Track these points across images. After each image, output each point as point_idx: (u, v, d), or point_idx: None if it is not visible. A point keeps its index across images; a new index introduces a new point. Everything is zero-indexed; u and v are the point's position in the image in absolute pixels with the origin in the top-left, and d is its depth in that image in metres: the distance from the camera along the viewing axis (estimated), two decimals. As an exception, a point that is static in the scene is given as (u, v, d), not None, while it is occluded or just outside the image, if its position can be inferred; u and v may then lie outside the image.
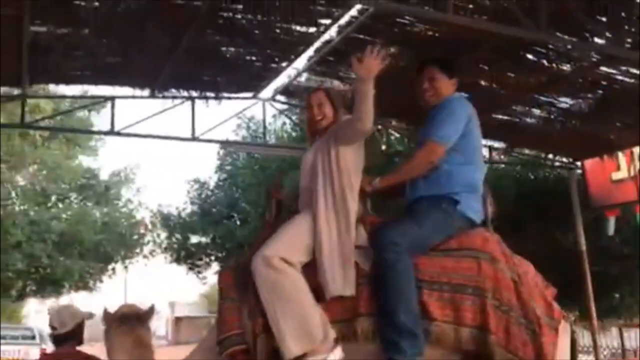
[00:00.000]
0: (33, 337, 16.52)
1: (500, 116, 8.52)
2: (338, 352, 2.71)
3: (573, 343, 2.83)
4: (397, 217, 3.06)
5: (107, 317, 3.56)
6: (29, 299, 25.43)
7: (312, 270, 2.84)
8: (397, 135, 11.39)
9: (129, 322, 3.42)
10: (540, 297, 2.76)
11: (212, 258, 13.12)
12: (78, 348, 4.02)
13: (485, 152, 10.67)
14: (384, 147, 12.33)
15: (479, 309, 2.67)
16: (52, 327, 4.05)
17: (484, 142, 10.33)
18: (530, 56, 6.87)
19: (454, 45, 6.17)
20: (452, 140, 2.98)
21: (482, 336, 2.65)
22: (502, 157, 10.58)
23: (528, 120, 8.71)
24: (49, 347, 14.95)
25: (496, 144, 10.06)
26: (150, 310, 3.62)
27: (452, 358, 2.72)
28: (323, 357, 2.68)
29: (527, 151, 10.39)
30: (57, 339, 4.05)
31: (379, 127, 9.63)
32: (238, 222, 10.35)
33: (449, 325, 2.69)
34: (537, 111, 8.45)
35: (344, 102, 3.24)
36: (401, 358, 2.63)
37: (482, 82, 7.33)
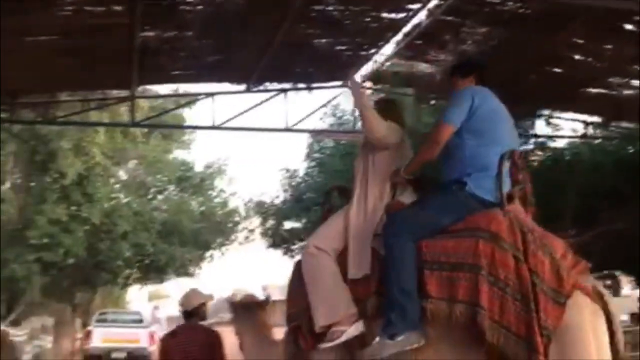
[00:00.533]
0: (141, 321, 17.75)
1: (596, 90, 8.30)
2: (359, 326, 3.04)
3: (609, 319, 2.77)
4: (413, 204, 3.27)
5: (234, 305, 4.24)
6: (133, 286, 27.22)
7: (345, 256, 3.24)
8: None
9: (253, 309, 4.10)
10: (552, 272, 2.75)
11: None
12: (200, 323, 4.77)
13: (580, 126, 10.42)
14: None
15: (473, 285, 2.78)
16: (182, 306, 4.81)
17: (578, 116, 10.29)
18: (627, 26, 6.68)
19: (547, 22, 6.10)
20: (456, 120, 3.13)
21: (474, 311, 2.75)
22: (599, 131, 10.27)
23: (626, 92, 8.43)
24: (155, 330, 15.79)
25: (592, 119, 9.77)
26: (267, 299, 4.39)
27: (451, 336, 2.85)
28: (345, 329, 3.02)
29: (625, 124, 10.03)
30: (185, 315, 4.79)
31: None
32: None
33: (443, 302, 2.84)
34: (635, 82, 8.17)
35: (383, 111, 3.53)
36: (390, 331, 2.85)
37: (577, 57, 7.18)
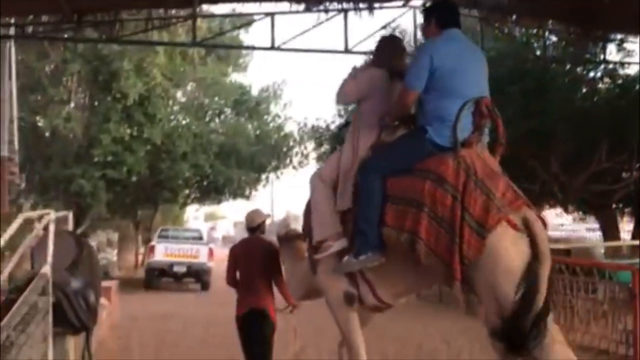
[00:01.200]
0: (200, 238, 18.55)
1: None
2: (343, 242, 3.64)
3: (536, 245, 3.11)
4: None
5: (279, 237, 4.95)
6: (191, 205, 28.25)
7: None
8: (554, 39, 10.85)
9: (293, 240, 4.75)
10: (482, 208, 3.14)
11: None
12: (261, 236, 5.60)
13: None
14: (538, 53, 11.82)
15: (417, 218, 3.24)
16: (246, 223, 5.64)
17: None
18: None
19: None
20: (416, 85, 3.45)
21: (414, 240, 3.23)
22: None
23: None
24: (213, 246, 16.37)
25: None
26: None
27: (403, 259, 3.38)
28: (332, 244, 3.66)
29: None
30: (249, 230, 5.61)
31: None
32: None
33: (394, 231, 3.33)
34: None
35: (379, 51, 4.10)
36: (354, 251, 3.47)
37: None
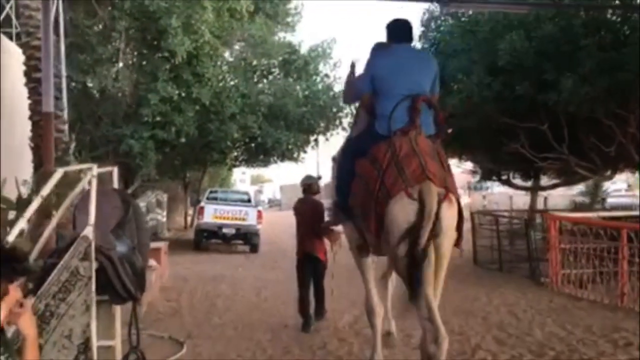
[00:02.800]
0: (249, 200, 18.33)
1: None
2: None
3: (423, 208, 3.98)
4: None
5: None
6: (239, 167, 28.10)
7: None
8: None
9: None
10: (392, 181, 4.15)
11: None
12: (312, 197, 7.40)
13: None
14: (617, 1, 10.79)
15: (359, 187, 4.43)
16: (301, 184, 7.49)
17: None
18: None
19: None
20: (363, 89, 4.71)
21: (356, 202, 4.53)
22: None
23: None
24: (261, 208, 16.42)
25: None
26: None
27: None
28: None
29: None
30: (303, 191, 7.36)
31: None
32: (454, 89, 9.89)
33: (352, 195, 4.55)
34: None
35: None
36: (333, 215, 5.08)
37: None
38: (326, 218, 6.90)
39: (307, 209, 7.05)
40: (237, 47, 18.09)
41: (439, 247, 4.05)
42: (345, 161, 4.74)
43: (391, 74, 4.47)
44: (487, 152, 10.84)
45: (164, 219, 22.50)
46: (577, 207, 18.14)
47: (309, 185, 7.36)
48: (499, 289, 9.41)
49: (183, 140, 16.05)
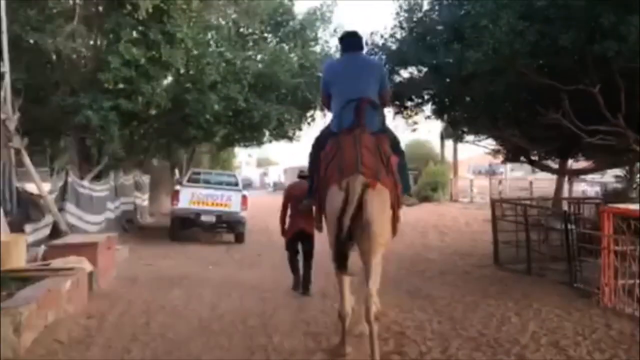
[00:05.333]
0: (236, 184, 16.04)
1: None
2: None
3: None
4: None
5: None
6: (234, 147, 25.81)
7: None
8: None
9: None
10: (332, 172, 4.92)
11: (427, 96, 10.54)
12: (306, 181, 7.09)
13: None
14: None
15: (321, 170, 5.16)
16: (300, 172, 8.10)
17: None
18: None
19: None
20: (323, 91, 5.57)
21: (321, 183, 5.22)
22: None
23: None
24: (248, 193, 14.98)
25: None
26: None
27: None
28: None
29: None
30: (299, 177, 8.11)
31: None
32: (476, 40, 7.52)
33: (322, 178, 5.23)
34: None
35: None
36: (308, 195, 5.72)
37: None
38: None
39: (302, 191, 7.24)
40: (220, 2, 15.61)
41: (367, 231, 4.59)
42: (314, 152, 5.38)
43: (340, 79, 5.20)
44: (518, 125, 8.41)
45: (145, 203, 20.35)
46: (612, 195, 15.78)
47: (304, 173, 7.66)
48: (532, 304, 7.09)
49: (154, 112, 13.80)
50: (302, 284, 8.00)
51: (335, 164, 4.82)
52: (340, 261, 4.68)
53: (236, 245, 14.39)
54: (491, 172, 30.68)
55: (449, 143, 26.52)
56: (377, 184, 4.61)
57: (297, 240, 7.98)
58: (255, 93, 15.34)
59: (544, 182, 21.57)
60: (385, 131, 5.21)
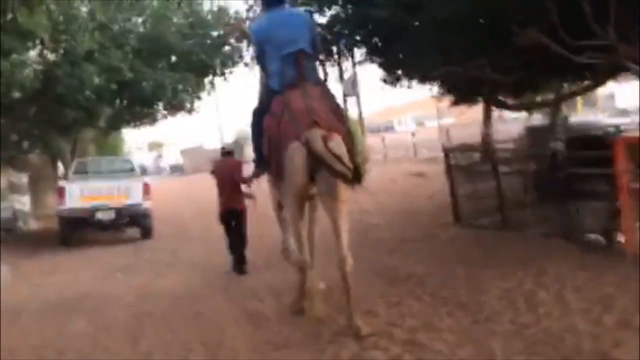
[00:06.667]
0: (132, 170, 13.65)
1: None
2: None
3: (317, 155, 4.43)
4: None
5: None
6: (122, 129, 22.79)
7: None
8: None
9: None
10: (286, 129, 4.68)
11: (357, 37, 8.71)
12: (232, 157, 8.38)
13: None
14: None
15: (264, 139, 5.08)
16: (222, 149, 8.71)
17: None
18: None
19: None
20: (255, 52, 6.04)
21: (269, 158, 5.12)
22: None
23: None
24: (149, 180, 13.54)
25: None
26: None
27: None
28: None
29: None
30: (223, 154, 8.39)
31: None
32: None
33: (266, 150, 5.11)
34: None
35: None
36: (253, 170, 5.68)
37: None
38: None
39: (227, 168, 7.85)
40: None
41: (333, 185, 4.54)
42: (256, 119, 5.25)
43: (272, 36, 5.03)
44: (483, 54, 6.85)
45: (27, 207, 17.38)
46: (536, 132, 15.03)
47: (227, 150, 8.43)
48: (545, 270, 5.59)
49: (17, 95, 11.14)
50: (237, 263, 7.85)
51: (288, 120, 4.69)
52: (301, 207, 4.91)
53: (144, 242, 12.19)
54: (388, 129, 29.81)
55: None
56: (335, 135, 4.54)
57: (229, 219, 7.94)
58: (142, 60, 12.93)
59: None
60: (323, 82, 5.28)
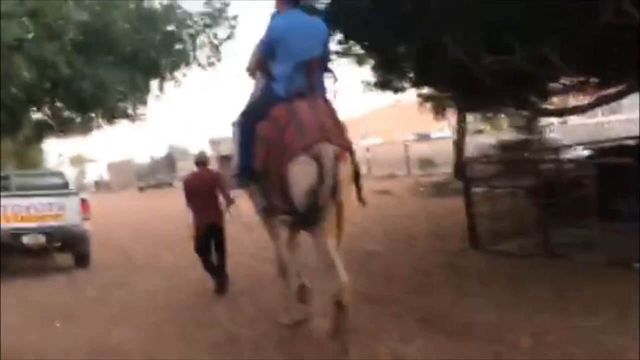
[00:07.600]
0: (65, 185, 11.47)
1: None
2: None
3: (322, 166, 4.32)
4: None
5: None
6: (50, 140, 20.12)
7: None
8: None
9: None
10: (292, 138, 4.47)
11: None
12: (208, 168, 7.92)
13: None
14: None
15: (262, 146, 4.82)
16: (196, 159, 7.90)
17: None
18: None
19: None
20: (263, 51, 5.07)
21: (266, 172, 4.87)
22: None
23: None
24: (87, 196, 11.68)
25: None
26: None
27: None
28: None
29: None
30: (197, 164, 7.73)
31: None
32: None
33: (258, 159, 4.92)
34: None
35: None
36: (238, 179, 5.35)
37: None
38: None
39: (205, 180, 7.43)
40: None
41: (338, 209, 4.45)
42: (246, 125, 5.05)
43: (289, 38, 4.79)
44: (551, 37, 5.43)
45: None
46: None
47: (202, 159, 7.80)
48: (626, 314, 4.17)
49: None
50: (218, 282, 7.34)
51: (293, 131, 4.49)
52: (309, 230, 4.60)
53: (82, 273, 10.06)
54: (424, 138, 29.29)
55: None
56: (346, 155, 4.49)
57: (208, 236, 7.39)
58: (82, 54, 10.90)
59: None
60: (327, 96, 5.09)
